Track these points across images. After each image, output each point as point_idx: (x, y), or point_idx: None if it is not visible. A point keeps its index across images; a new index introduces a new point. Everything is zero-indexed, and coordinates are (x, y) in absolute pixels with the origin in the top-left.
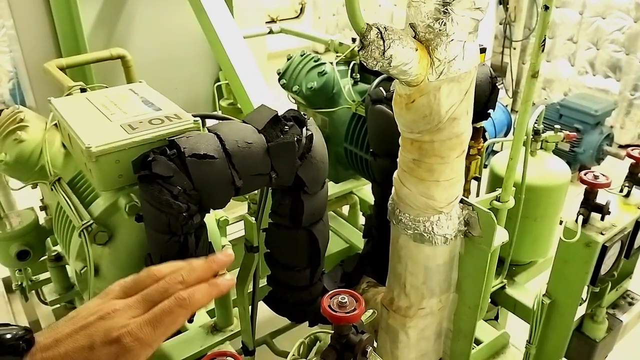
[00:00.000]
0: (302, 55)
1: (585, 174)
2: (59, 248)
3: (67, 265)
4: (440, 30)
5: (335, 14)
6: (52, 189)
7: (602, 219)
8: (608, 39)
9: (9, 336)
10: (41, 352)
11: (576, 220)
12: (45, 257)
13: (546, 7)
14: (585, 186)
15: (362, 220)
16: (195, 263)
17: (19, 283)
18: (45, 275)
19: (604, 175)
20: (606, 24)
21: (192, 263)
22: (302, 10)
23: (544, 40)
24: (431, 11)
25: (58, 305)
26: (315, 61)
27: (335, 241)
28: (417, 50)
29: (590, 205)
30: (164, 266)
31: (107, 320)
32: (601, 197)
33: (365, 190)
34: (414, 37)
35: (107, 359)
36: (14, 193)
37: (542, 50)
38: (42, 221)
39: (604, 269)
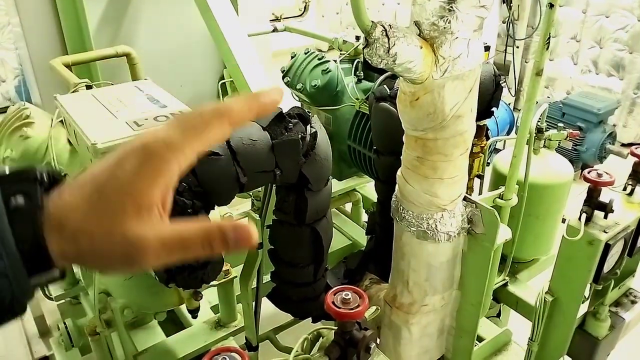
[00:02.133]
0: (306, 53)
1: (588, 172)
2: None
3: None
4: (445, 27)
5: (339, 12)
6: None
7: (606, 217)
8: (611, 38)
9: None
10: (70, 182)
11: (579, 218)
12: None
13: (551, 5)
14: (588, 184)
15: (364, 217)
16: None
17: None
18: None
19: (607, 173)
20: (610, 23)
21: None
22: (306, 8)
23: (549, 38)
24: (436, 9)
25: (63, 301)
26: (319, 59)
27: (338, 238)
28: (421, 47)
29: (593, 203)
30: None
31: (137, 138)
32: (604, 196)
33: (368, 187)
34: (419, 35)
35: (131, 166)
36: None
37: (547, 48)
38: None
39: (607, 267)
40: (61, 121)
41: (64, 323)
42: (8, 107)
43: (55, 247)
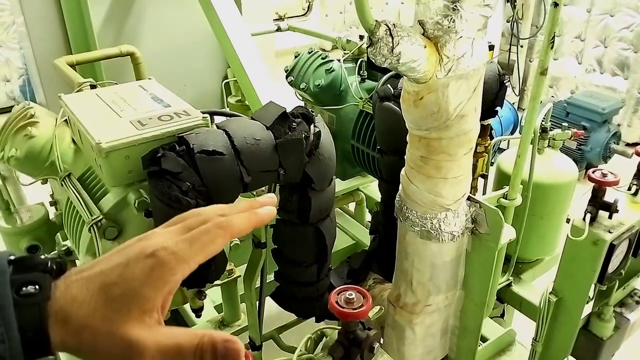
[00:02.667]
0: (309, 53)
1: (593, 172)
2: (68, 243)
3: (76, 260)
4: (449, 27)
5: (343, 12)
6: (62, 185)
7: (610, 217)
8: (616, 37)
9: (43, 257)
10: (77, 273)
11: (584, 218)
12: (55, 251)
13: (555, 4)
14: (593, 184)
15: (368, 217)
16: (238, 204)
17: None
18: None
19: (612, 173)
20: (614, 22)
21: (235, 204)
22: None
23: (553, 37)
24: (440, 8)
25: None
26: (322, 58)
27: (342, 238)
28: (425, 47)
29: (598, 203)
30: (208, 207)
31: (144, 241)
32: (609, 196)
33: (371, 187)
34: (423, 34)
35: (141, 272)
36: (25, 188)
37: (552, 48)
38: (52, 216)
39: (612, 267)
40: (65, 120)
41: None
42: (12, 106)
43: (58, 338)
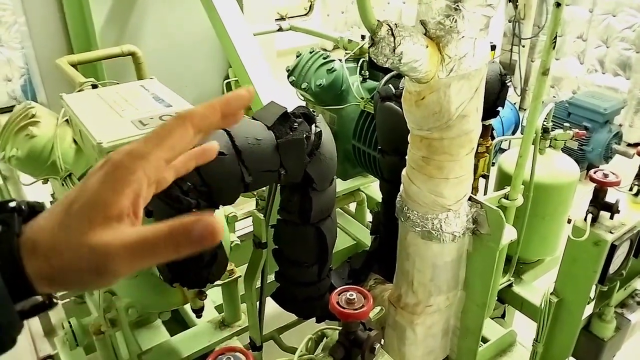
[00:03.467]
0: (311, 53)
1: (595, 173)
2: None
3: None
4: (451, 27)
5: (344, 12)
6: (63, 184)
7: (612, 217)
8: (618, 37)
9: (14, 201)
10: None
11: (585, 219)
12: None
13: (558, 4)
14: (594, 185)
15: (369, 217)
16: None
17: None
18: None
19: (613, 173)
20: (616, 22)
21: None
22: (311, 7)
23: (555, 37)
24: (442, 8)
25: (68, 300)
26: (324, 58)
27: (343, 238)
28: (427, 47)
29: (599, 204)
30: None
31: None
32: (610, 196)
33: (372, 187)
34: (425, 34)
35: (97, 181)
36: (25, 188)
37: (554, 48)
38: None
39: (613, 268)
40: (67, 120)
41: (69, 322)
42: (14, 106)
43: (31, 269)
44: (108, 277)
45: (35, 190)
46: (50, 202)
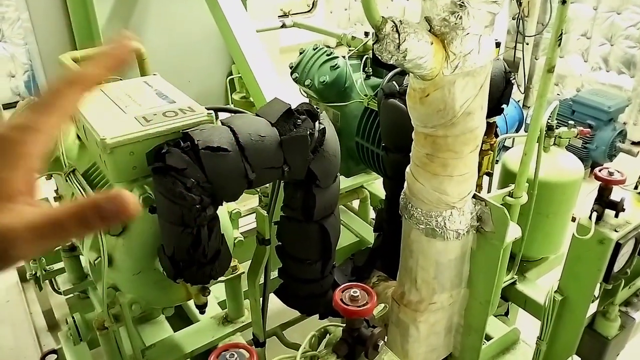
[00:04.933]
0: (314, 49)
1: (600, 171)
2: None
3: (81, 256)
4: (456, 23)
5: (347, 9)
6: (66, 180)
7: (616, 215)
8: (622, 35)
9: None
10: None
11: (590, 217)
12: (59, 247)
13: (563, 1)
14: (598, 183)
15: (372, 214)
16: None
17: (33, 272)
18: (59, 265)
19: (618, 171)
20: (621, 19)
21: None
22: (314, 4)
23: (561, 34)
24: (447, 4)
25: (71, 295)
26: (327, 55)
27: (346, 235)
28: (432, 43)
29: (604, 202)
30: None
31: None
32: (615, 194)
33: (375, 184)
34: (429, 31)
35: None
36: None
37: (559, 45)
38: None
39: (617, 267)
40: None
41: (73, 317)
42: (18, 102)
43: None
44: (11, 260)
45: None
46: (54, 197)
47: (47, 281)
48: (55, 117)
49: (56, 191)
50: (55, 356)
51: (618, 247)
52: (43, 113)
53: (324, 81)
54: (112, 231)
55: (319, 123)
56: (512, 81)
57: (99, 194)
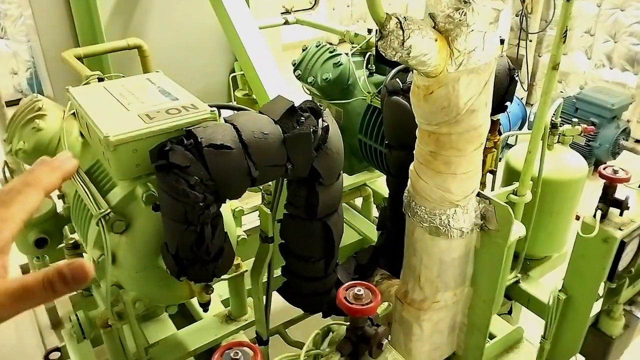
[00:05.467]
0: (317, 46)
1: (604, 169)
2: (76, 236)
3: (84, 253)
4: (460, 20)
5: (350, 5)
6: (70, 178)
7: (621, 214)
8: (626, 32)
9: None
10: None
11: (594, 215)
12: (63, 245)
13: None
14: (602, 181)
15: (375, 212)
16: (36, 167)
17: (37, 270)
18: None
19: (623, 169)
20: (625, 16)
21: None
22: (316, 1)
23: (566, 31)
24: (451, 1)
25: (75, 293)
26: (330, 52)
27: (349, 233)
28: (436, 40)
29: (608, 200)
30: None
31: None
32: (619, 192)
33: (378, 182)
34: (434, 28)
35: None
36: None
37: (564, 42)
38: (59, 209)
39: (622, 265)
40: (73, 113)
41: (76, 315)
42: (20, 99)
43: None
44: None
45: None
46: (57, 195)
47: None
48: (19, 211)
49: (59, 188)
50: (59, 354)
51: (622, 245)
52: (10, 207)
53: (327, 78)
54: (116, 229)
55: (322, 120)
56: (516, 78)
57: (63, 262)
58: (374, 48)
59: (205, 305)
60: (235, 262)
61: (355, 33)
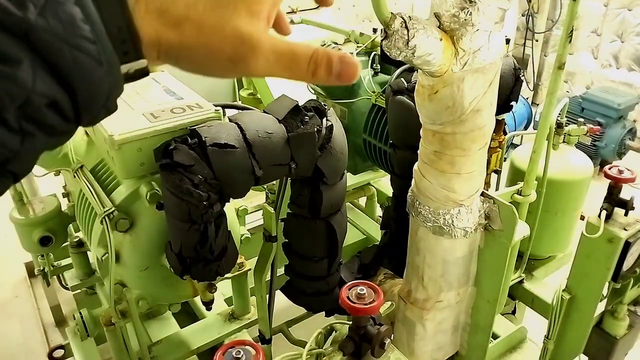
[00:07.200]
0: (322, 46)
1: (609, 169)
2: (80, 234)
3: (88, 252)
4: (465, 19)
5: (355, 5)
6: (74, 176)
7: (626, 214)
8: (633, 32)
9: None
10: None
11: (599, 215)
12: (67, 243)
13: None
14: (608, 181)
15: (379, 211)
16: None
17: (41, 268)
18: (67, 261)
19: (629, 170)
20: (632, 16)
21: None
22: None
23: (572, 31)
24: (457, 0)
25: (79, 291)
26: None
27: (352, 232)
28: (441, 40)
29: (613, 200)
30: None
31: None
32: (625, 193)
33: (382, 181)
34: (439, 27)
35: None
36: (37, 180)
37: (570, 42)
38: (64, 208)
39: (627, 266)
40: None
41: (80, 313)
42: None
43: (151, 32)
44: (242, 67)
45: (47, 181)
46: (62, 194)
47: (55, 277)
48: None
49: (64, 187)
50: (63, 351)
51: (627, 246)
52: None
53: None
54: (120, 227)
55: (327, 120)
56: (521, 78)
57: (336, 51)
58: (379, 47)
59: (208, 304)
60: (238, 261)
61: (360, 32)
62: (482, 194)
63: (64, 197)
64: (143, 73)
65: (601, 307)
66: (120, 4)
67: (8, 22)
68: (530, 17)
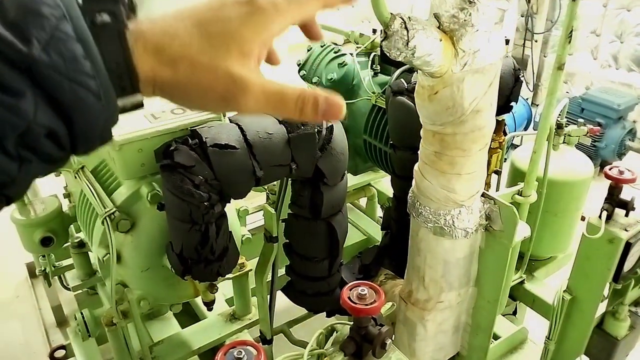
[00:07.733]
0: (322, 47)
1: (610, 169)
2: (81, 235)
3: (89, 252)
4: (465, 20)
5: (355, 6)
6: (75, 177)
7: (627, 215)
8: (633, 32)
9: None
10: (160, 15)
11: (600, 216)
12: (68, 243)
13: None
14: (609, 182)
15: (379, 212)
16: None
17: (43, 269)
18: (68, 261)
19: (629, 170)
20: (631, 17)
21: None
22: None
23: (571, 31)
24: (456, 1)
25: (80, 291)
26: (335, 52)
27: (353, 233)
28: (441, 40)
29: (614, 201)
30: None
31: None
32: (625, 193)
33: (383, 182)
34: (438, 28)
35: (238, 15)
36: (38, 180)
37: (569, 42)
38: (65, 208)
39: (627, 266)
40: None
41: (81, 313)
42: None
43: (148, 69)
44: (232, 106)
45: (48, 182)
46: (63, 194)
47: (56, 277)
48: (298, 12)
49: (65, 188)
50: (64, 352)
51: (628, 246)
52: (292, 4)
53: (332, 78)
54: (121, 228)
55: (327, 120)
56: (521, 79)
57: (321, 93)
58: (379, 48)
59: (209, 304)
60: (239, 262)
61: (360, 33)
62: (483, 195)
63: (64, 197)
64: (138, 106)
65: (602, 307)
66: (120, 43)
67: (13, 57)
68: (530, 18)
